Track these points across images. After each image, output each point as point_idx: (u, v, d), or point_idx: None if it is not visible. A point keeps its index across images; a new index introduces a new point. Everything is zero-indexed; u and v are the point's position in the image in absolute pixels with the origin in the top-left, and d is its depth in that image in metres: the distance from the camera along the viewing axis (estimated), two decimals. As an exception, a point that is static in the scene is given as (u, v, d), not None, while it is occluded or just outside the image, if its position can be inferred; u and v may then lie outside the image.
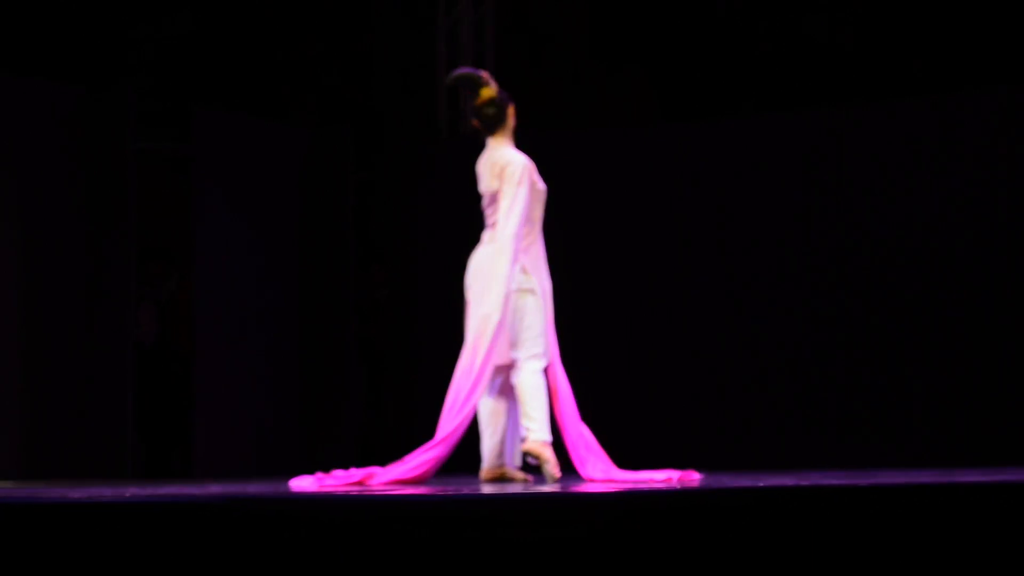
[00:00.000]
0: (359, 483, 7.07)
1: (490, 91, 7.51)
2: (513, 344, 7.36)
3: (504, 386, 7.54)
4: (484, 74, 7.57)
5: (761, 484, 6.09)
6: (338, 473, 7.13)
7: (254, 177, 10.90)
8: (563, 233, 10.82)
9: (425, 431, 11.05)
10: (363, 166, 11.67)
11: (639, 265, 10.92)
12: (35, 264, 9.97)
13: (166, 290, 11.44)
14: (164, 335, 11.36)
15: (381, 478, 7.16)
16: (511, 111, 7.57)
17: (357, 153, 11.46)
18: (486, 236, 7.53)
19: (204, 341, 10.55)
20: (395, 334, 11.60)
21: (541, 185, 7.51)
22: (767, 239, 10.57)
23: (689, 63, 12.44)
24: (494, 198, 7.44)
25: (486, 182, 7.49)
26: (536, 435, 7.24)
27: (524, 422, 7.31)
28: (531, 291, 7.37)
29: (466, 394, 7.23)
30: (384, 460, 11.31)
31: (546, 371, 7.47)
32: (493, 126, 7.52)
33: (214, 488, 7.01)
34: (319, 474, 7.17)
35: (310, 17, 13.01)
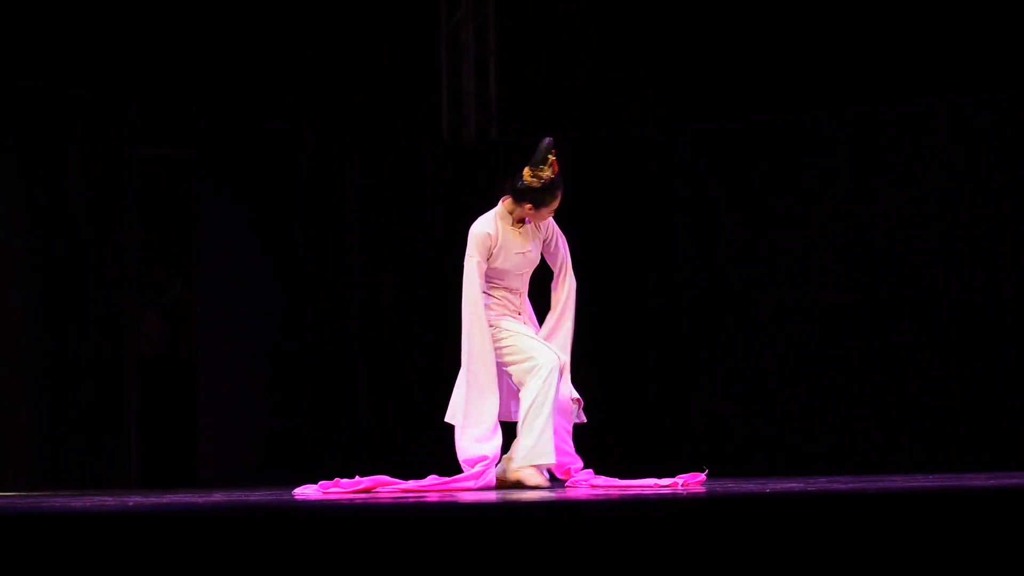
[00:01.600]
0: (365, 491, 7.05)
1: (547, 172, 7.39)
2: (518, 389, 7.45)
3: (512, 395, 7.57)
4: (553, 157, 7.43)
5: (768, 489, 6.08)
6: (343, 482, 7.10)
7: (257, 180, 10.88)
8: (566, 235, 10.81)
9: (427, 434, 11.04)
10: (366, 169, 11.65)
11: (642, 267, 10.89)
12: (38, 270, 9.95)
13: (170, 296, 11.42)
14: (168, 341, 11.34)
15: (388, 487, 7.14)
16: (527, 204, 7.45)
17: (361, 156, 11.44)
18: None
19: (208, 346, 10.53)
20: (398, 338, 11.58)
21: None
22: (770, 241, 10.55)
23: (691, 65, 12.43)
24: None
25: None
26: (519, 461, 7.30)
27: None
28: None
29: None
30: (387, 463, 11.32)
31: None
32: (513, 193, 7.43)
33: (217, 496, 7.00)
34: (323, 482, 7.15)
35: (311, 19, 13.00)
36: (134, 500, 6.53)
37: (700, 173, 10.80)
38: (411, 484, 7.21)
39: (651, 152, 10.97)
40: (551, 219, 7.54)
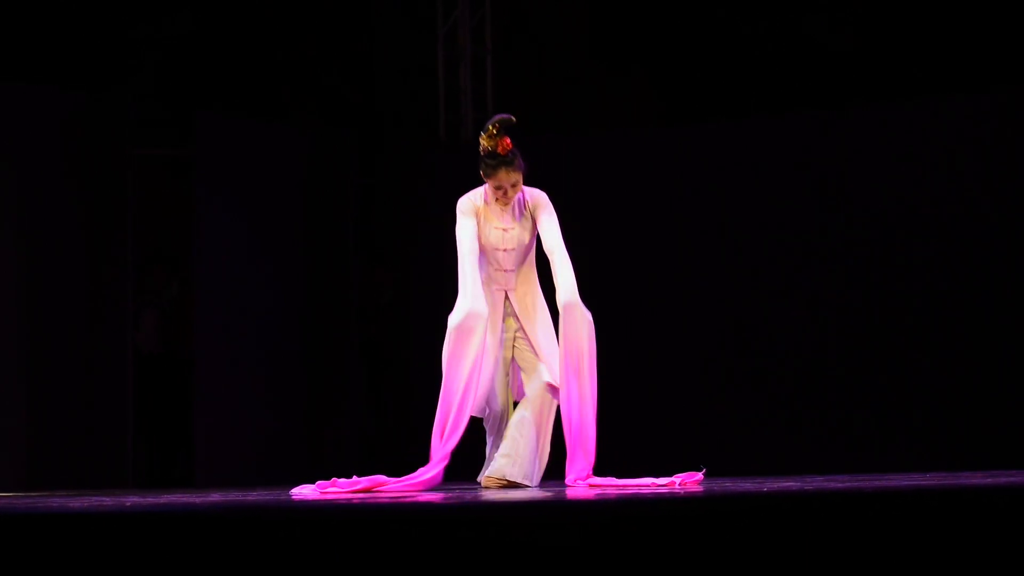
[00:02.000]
0: (363, 491, 7.05)
1: (483, 140, 7.53)
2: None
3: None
4: (495, 130, 7.54)
5: (765, 489, 6.08)
6: (341, 481, 7.11)
7: (255, 181, 10.88)
8: (567, 235, 10.80)
9: (426, 434, 11.04)
10: (365, 169, 11.65)
11: (640, 268, 10.89)
12: (35, 270, 9.95)
13: (168, 296, 11.42)
14: (166, 341, 11.33)
15: (387, 487, 7.16)
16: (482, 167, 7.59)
17: (359, 156, 11.44)
18: None
19: (205, 347, 10.53)
20: (397, 338, 11.58)
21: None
22: (769, 241, 10.54)
23: (690, 64, 12.42)
24: None
25: None
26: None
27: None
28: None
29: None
30: (387, 463, 11.29)
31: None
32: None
33: (215, 496, 7.00)
34: (320, 482, 7.16)
35: (310, 19, 12.99)
36: (132, 500, 6.53)
37: (699, 173, 10.80)
38: (405, 482, 7.23)
39: (650, 152, 10.97)
40: (541, 198, 7.60)
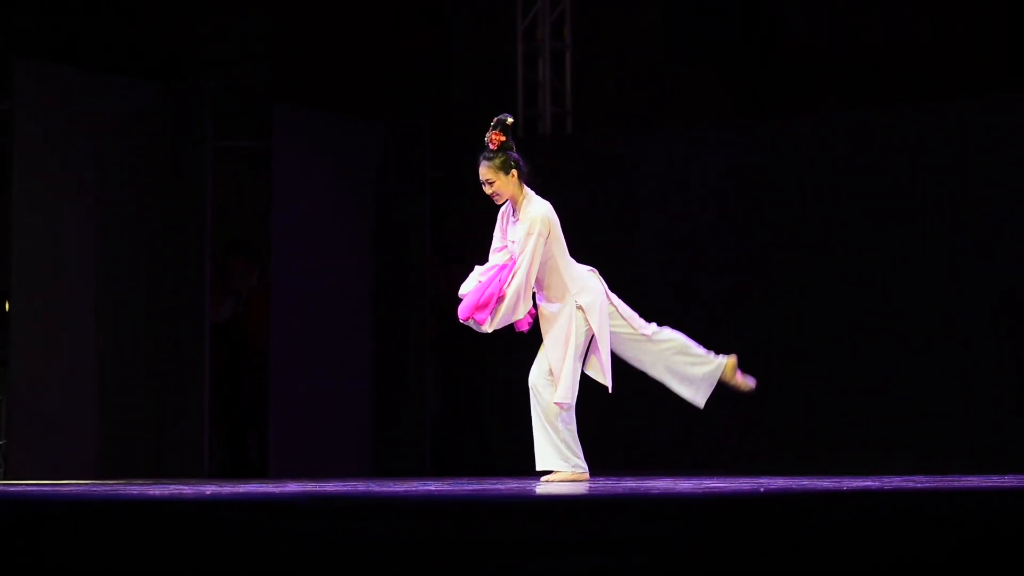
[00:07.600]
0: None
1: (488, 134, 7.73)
2: None
3: None
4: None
5: (844, 487, 6.07)
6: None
7: (331, 173, 10.92)
8: (644, 223, 10.79)
9: (499, 429, 11.07)
10: (440, 163, 11.66)
11: (713, 260, 10.86)
12: (114, 260, 10.02)
13: (246, 285, 11.45)
14: (245, 331, 11.37)
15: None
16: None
17: (434, 149, 11.46)
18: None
19: (281, 337, 10.57)
20: (470, 333, 11.58)
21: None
22: (839, 233, 10.47)
23: (764, 59, 12.38)
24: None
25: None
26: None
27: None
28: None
29: None
30: (460, 460, 11.33)
31: None
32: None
33: (292, 487, 7.04)
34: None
35: (388, 12, 13.03)
36: (211, 489, 6.57)
37: (774, 167, 10.76)
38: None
39: (724, 146, 10.95)
40: (534, 216, 7.72)
